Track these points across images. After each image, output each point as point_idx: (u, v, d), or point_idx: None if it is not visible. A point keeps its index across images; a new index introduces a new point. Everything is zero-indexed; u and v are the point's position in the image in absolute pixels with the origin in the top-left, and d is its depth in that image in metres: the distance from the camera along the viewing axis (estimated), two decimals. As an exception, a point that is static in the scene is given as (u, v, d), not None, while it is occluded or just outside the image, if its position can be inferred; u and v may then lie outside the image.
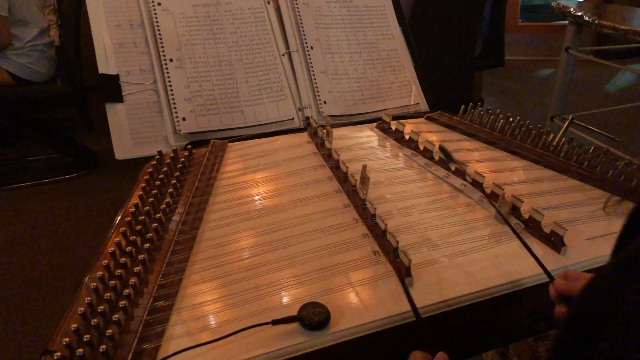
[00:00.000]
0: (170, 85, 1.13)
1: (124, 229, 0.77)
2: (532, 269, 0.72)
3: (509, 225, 0.76)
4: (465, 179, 0.93)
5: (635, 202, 0.42)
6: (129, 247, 0.73)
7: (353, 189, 0.87)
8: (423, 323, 0.62)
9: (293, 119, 1.21)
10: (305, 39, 1.26)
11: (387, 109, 1.26)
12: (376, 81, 1.32)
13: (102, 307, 0.63)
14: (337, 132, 1.16)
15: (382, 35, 1.37)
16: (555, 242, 0.76)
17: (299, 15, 1.27)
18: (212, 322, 0.64)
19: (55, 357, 0.56)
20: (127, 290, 0.66)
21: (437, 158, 1.00)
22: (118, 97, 1.11)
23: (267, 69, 1.23)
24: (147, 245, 0.75)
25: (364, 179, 0.91)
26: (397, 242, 0.72)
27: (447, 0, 2.45)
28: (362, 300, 0.67)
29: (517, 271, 0.72)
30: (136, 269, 0.70)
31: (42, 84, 2.46)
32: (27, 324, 1.66)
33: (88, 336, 0.59)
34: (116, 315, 0.62)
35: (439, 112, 1.26)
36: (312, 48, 1.27)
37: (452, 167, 0.96)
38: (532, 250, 0.65)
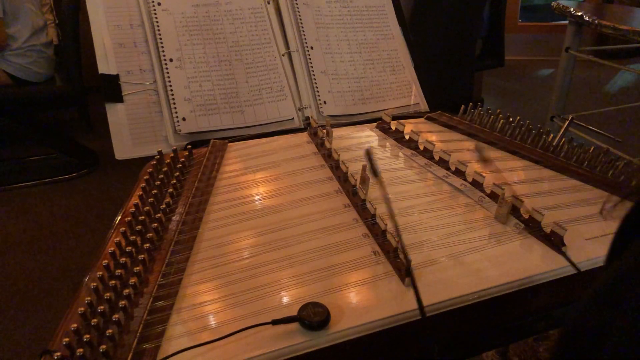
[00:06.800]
0: (170, 85, 1.13)
1: (124, 229, 0.77)
2: (532, 269, 0.73)
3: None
4: (465, 179, 0.93)
5: (633, 202, 0.42)
6: (129, 247, 0.73)
7: (353, 189, 0.87)
8: (427, 321, 0.62)
9: (293, 119, 1.21)
10: (305, 39, 1.26)
11: (387, 109, 1.26)
12: (376, 81, 1.32)
13: (102, 307, 0.63)
14: (337, 132, 1.16)
15: (382, 36, 1.37)
16: (555, 242, 0.76)
17: (299, 15, 1.27)
18: (212, 322, 0.64)
19: (55, 357, 0.56)
20: (127, 290, 0.66)
21: (437, 158, 1.00)
22: (118, 97, 1.11)
23: (267, 69, 1.23)
24: (147, 245, 0.75)
25: (364, 179, 0.91)
26: (397, 242, 0.72)
27: (447, 0, 2.45)
28: (362, 301, 0.67)
29: (517, 271, 0.72)
30: (136, 269, 0.70)
31: (41, 84, 2.45)
32: (27, 324, 1.65)
33: (88, 336, 0.59)
34: (116, 315, 0.62)
35: (439, 112, 1.26)
36: (312, 48, 1.26)
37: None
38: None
